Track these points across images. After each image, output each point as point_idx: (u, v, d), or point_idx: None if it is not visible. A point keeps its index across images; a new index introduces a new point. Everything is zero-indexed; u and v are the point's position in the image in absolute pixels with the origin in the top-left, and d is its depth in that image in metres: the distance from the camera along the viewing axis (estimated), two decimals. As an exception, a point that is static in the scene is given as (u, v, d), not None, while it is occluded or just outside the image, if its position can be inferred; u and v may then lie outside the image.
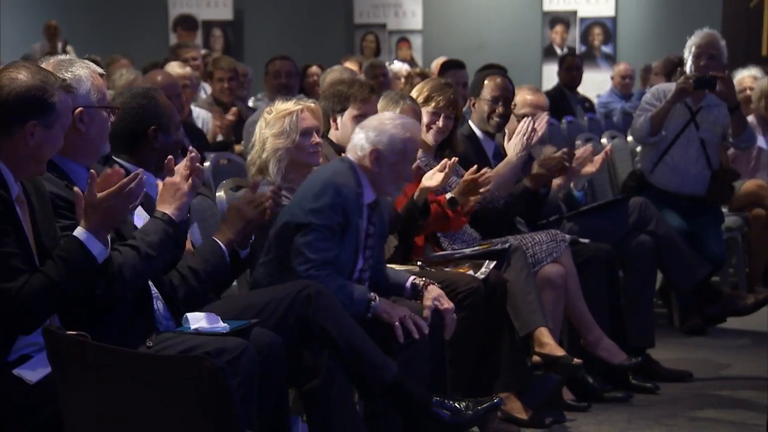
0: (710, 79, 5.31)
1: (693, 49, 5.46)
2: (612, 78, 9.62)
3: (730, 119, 5.44)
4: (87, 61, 3.01)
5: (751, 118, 5.92)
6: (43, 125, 2.64)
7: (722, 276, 5.84)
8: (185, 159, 3.00)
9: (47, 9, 11.47)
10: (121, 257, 2.78)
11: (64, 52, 9.13)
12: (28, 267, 2.60)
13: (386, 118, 3.65)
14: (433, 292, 3.60)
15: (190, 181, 2.98)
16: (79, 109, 2.88)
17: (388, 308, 3.42)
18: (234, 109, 6.61)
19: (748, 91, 6.58)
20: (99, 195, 2.63)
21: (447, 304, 3.58)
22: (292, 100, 3.84)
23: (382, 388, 3.25)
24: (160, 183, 3.03)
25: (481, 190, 4.10)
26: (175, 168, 2.99)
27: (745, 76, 6.79)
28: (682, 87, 5.31)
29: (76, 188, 2.71)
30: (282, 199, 3.51)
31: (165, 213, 2.94)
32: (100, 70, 3.00)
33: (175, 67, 6.30)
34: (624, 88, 9.37)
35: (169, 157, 3.02)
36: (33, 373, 2.59)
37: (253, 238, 3.41)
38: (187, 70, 6.42)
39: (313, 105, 3.84)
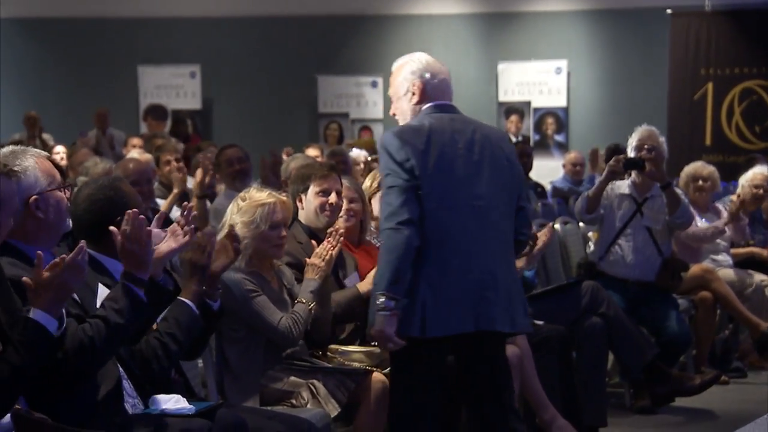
0: (638, 161, 5.57)
1: (634, 143, 5.72)
2: (564, 166, 9.89)
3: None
4: (32, 149, 3.00)
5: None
6: None
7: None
8: (125, 221, 2.97)
9: (24, 101, 11.81)
10: (91, 330, 2.81)
11: (41, 139, 9.35)
12: None
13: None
14: None
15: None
16: (33, 197, 2.91)
17: None
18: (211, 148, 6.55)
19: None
20: (46, 274, 2.65)
21: None
22: (266, 191, 3.90)
23: None
24: None
25: None
26: (121, 231, 2.95)
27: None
28: (612, 168, 5.60)
29: (24, 278, 2.70)
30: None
31: (128, 272, 2.92)
32: (45, 154, 3.01)
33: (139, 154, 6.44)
34: (575, 175, 9.65)
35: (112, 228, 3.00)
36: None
37: (220, 288, 3.46)
38: (149, 156, 6.55)
39: (285, 198, 3.94)
